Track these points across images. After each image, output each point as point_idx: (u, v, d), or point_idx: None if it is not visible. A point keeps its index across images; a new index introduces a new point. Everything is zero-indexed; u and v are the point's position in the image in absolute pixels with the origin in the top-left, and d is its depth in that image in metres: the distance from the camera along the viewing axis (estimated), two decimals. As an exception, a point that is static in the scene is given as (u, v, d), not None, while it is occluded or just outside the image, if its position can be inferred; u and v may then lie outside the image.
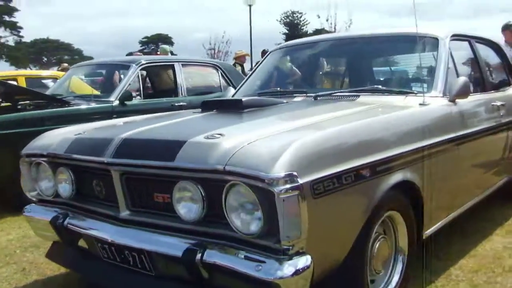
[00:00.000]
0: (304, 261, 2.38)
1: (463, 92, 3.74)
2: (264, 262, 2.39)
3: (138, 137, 3.02)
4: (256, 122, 3.11)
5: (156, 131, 3.12)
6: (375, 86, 3.95)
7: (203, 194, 2.58)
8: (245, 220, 2.47)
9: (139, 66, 6.62)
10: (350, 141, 2.72)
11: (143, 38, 61.60)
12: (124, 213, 2.98)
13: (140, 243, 2.84)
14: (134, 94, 6.46)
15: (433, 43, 4.05)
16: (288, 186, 2.30)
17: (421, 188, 3.16)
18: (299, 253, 2.39)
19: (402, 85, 4.07)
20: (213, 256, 2.52)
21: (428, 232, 3.43)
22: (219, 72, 7.51)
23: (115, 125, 3.62)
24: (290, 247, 2.36)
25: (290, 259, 2.36)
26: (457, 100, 3.75)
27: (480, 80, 4.62)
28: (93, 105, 6.21)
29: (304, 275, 2.37)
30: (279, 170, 2.31)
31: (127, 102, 6.24)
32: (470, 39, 4.62)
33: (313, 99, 3.91)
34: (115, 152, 2.95)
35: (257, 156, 2.42)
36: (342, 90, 4.02)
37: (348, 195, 2.60)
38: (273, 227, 2.37)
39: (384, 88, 3.89)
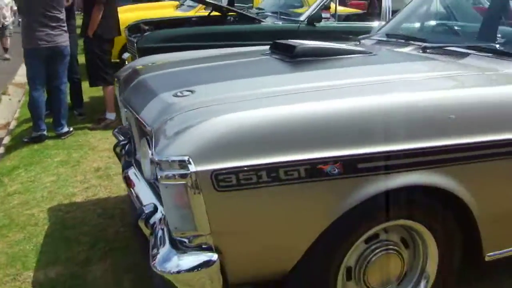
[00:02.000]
0: (203, 257, 2.01)
1: None
2: (158, 250, 2.10)
3: (145, 81, 2.84)
4: (260, 79, 2.60)
5: (161, 78, 2.87)
6: (492, 44, 2.94)
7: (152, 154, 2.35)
8: None
9: (337, -14, 6.10)
10: (319, 124, 2.05)
11: None
12: (138, 155, 2.90)
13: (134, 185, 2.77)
14: (328, 15, 6.00)
15: None
16: (174, 172, 1.92)
17: (467, 199, 2.30)
18: (203, 249, 2.03)
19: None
20: (153, 220, 2.28)
21: (493, 254, 2.53)
22: (438, -2, 6.46)
23: (175, 62, 3.40)
24: (186, 240, 2.02)
25: (185, 252, 2.02)
26: None
27: None
28: (279, 23, 5.98)
29: (205, 273, 2.01)
30: (170, 152, 1.94)
31: (317, 24, 5.85)
32: None
33: (420, 51, 3.12)
34: (126, 92, 2.85)
35: (174, 128, 2.07)
36: (456, 44, 3.09)
37: (289, 194, 2.02)
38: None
39: (501, 49, 2.86)
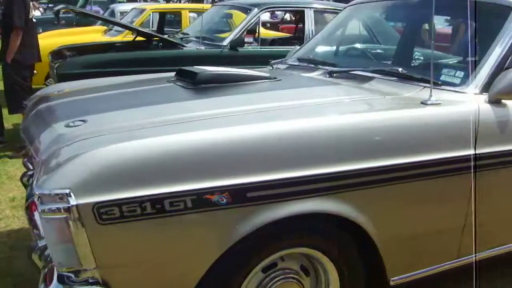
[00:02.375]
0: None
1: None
2: (45, 285, 2.04)
3: (43, 110, 2.79)
4: (156, 108, 2.58)
5: (59, 107, 2.82)
6: (395, 68, 3.01)
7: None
8: None
9: (261, 11, 6.18)
10: (204, 153, 2.03)
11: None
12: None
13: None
14: (251, 40, 6.07)
15: (503, 13, 2.86)
16: (54, 205, 1.86)
17: (365, 224, 2.33)
18: (90, 283, 1.98)
19: (436, 69, 2.95)
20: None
21: (397, 278, 2.54)
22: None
23: (77, 90, 3.34)
24: (72, 275, 1.97)
25: (72, 287, 1.98)
26: (505, 102, 2.64)
27: None
28: (202, 48, 6.00)
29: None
30: (50, 185, 1.90)
31: (240, 49, 5.89)
32: None
33: (326, 76, 3.17)
34: (26, 122, 2.78)
35: (57, 160, 2.03)
36: (361, 68, 3.15)
37: (176, 225, 2.00)
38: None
39: (404, 72, 2.92)
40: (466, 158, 2.47)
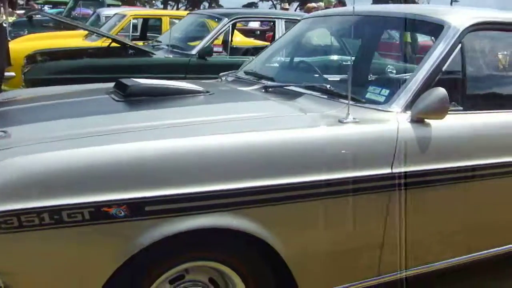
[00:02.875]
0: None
1: (435, 110, 2.63)
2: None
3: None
4: (79, 120, 2.65)
5: None
6: (324, 84, 3.08)
7: None
8: None
9: (232, 21, 6.26)
10: (102, 167, 2.10)
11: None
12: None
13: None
14: (220, 49, 6.14)
15: (435, 32, 2.92)
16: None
17: (272, 241, 2.35)
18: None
19: (359, 86, 3.02)
20: None
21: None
22: (331, 32, 6.70)
23: (18, 99, 3.42)
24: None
25: None
26: (428, 121, 2.69)
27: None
28: (170, 56, 6.08)
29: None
30: None
31: (208, 58, 5.97)
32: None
33: (262, 91, 3.23)
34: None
35: None
36: (295, 84, 3.21)
37: (74, 236, 2.07)
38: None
39: (332, 89, 2.99)
40: (380, 177, 2.52)
